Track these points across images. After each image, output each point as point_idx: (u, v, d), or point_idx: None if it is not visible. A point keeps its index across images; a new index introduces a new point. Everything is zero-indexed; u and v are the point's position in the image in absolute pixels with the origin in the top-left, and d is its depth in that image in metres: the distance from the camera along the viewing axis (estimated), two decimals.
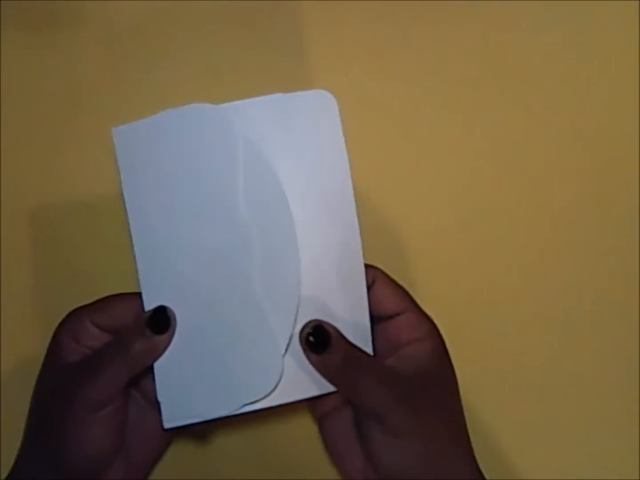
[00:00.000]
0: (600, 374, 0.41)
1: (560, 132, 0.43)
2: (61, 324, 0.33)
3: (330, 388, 0.33)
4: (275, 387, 0.33)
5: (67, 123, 0.41)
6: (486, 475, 0.33)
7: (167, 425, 0.32)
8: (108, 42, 0.42)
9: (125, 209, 0.33)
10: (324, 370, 0.32)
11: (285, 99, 0.33)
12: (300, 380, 0.33)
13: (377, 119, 0.42)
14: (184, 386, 0.33)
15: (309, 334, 0.32)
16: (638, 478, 0.40)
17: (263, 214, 0.33)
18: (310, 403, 0.36)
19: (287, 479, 0.39)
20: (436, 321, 0.35)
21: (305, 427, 0.39)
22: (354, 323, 0.33)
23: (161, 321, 0.32)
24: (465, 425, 0.34)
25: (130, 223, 0.33)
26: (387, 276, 0.35)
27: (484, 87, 0.43)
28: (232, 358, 0.33)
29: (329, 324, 0.32)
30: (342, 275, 0.34)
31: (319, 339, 0.32)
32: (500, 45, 0.43)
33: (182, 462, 0.38)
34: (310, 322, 0.32)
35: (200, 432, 0.38)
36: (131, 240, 0.33)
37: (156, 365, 0.32)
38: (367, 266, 0.34)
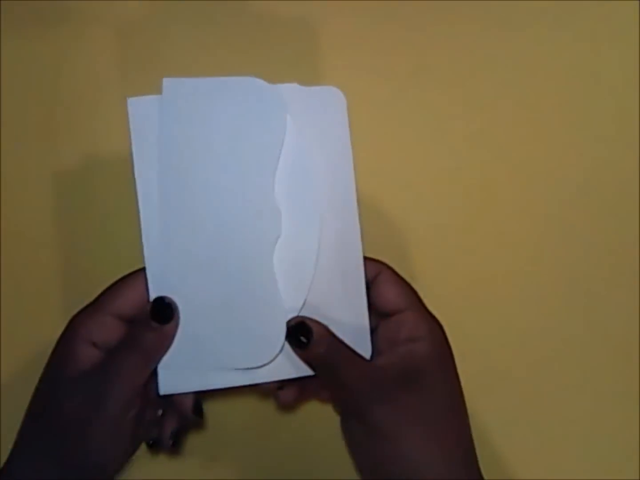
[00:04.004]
0: (600, 373, 0.41)
1: (564, 129, 0.43)
2: (72, 330, 0.33)
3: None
4: (273, 360, 0.33)
5: (66, 122, 0.41)
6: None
7: (162, 391, 0.33)
8: (109, 42, 0.42)
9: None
10: (307, 363, 0.33)
11: (299, 90, 0.35)
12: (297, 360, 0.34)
13: (383, 118, 0.42)
14: (184, 355, 0.33)
15: (292, 329, 0.33)
16: (638, 478, 0.40)
17: (293, 196, 0.34)
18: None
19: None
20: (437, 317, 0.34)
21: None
22: (352, 320, 0.34)
23: (164, 311, 0.32)
24: (464, 428, 0.33)
25: (139, 197, 0.33)
26: (393, 271, 0.35)
27: (492, 87, 0.43)
28: (234, 330, 0.33)
29: (313, 320, 0.33)
30: (341, 271, 0.34)
31: (301, 335, 0.32)
32: (502, 45, 0.43)
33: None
34: (293, 318, 0.33)
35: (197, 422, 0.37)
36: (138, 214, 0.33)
37: None
38: (371, 260, 0.35)
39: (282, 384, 0.34)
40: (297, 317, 0.33)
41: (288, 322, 0.33)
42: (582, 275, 0.42)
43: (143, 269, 0.33)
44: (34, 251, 0.40)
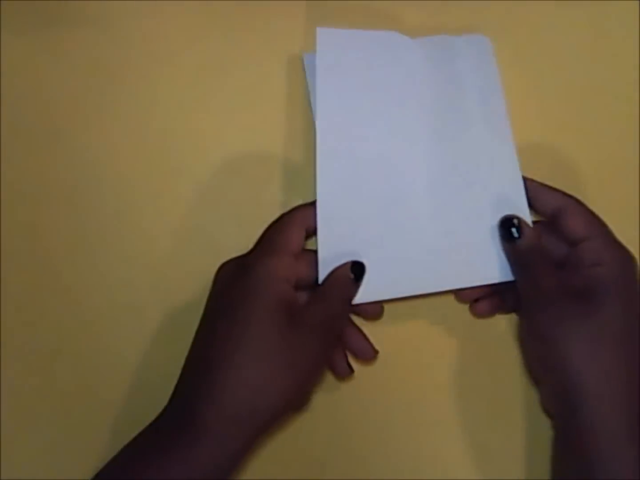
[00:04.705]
0: None
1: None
2: (263, 271, 0.34)
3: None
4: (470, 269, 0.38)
5: (65, 122, 0.42)
6: None
7: (357, 300, 0.37)
8: (109, 43, 0.42)
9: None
10: (512, 255, 0.37)
11: (448, 40, 0.39)
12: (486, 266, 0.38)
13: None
14: (377, 271, 0.37)
15: (508, 225, 0.37)
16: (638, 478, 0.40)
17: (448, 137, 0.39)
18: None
19: None
20: None
21: None
22: (509, 195, 0.38)
23: (362, 274, 0.37)
24: (635, 361, 0.34)
25: (318, 135, 0.38)
26: (581, 204, 0.37)
27: None
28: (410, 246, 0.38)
29: (524, 221, 0.37)
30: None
31: (512, 229, 0.37)
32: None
33: None
34: (507, 215, 0.38)
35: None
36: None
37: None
38: (561, 192, 0.38)
39: (479, 296, 0.39)
40: (511, 214, 0.37)
41: (503, 219, 0.38)
42: None
43: (300, 207, 0.38)
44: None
